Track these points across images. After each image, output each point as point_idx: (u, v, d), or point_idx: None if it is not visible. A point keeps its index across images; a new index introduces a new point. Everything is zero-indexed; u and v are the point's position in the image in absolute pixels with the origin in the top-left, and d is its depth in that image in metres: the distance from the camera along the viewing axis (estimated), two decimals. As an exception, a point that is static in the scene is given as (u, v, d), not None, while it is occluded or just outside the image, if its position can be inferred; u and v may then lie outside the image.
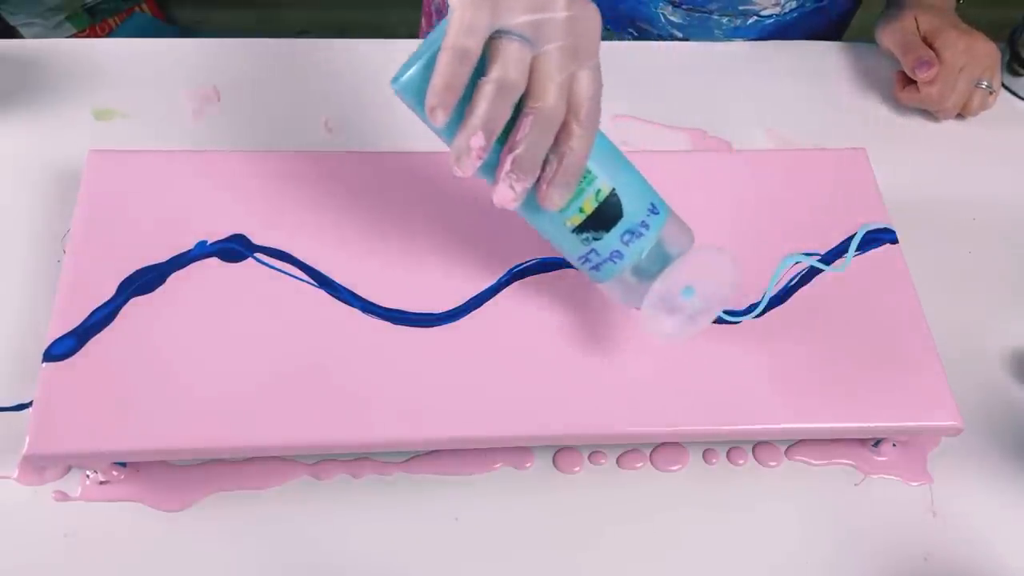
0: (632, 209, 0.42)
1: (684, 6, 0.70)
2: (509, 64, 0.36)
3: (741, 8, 0.71)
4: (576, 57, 0.38)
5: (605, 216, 0.41)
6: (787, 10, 0.72)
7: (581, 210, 0.41)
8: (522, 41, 0.37)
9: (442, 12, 0.82)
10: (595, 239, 0.42)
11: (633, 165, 0.43)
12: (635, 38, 0.74)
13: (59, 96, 0.61)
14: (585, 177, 0.41)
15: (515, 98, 0.37)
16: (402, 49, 0.69)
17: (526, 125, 0.37)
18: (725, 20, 0.72)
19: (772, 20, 0.73)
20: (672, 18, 0.72)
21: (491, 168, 0.39)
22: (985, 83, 0.65)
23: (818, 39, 0.73)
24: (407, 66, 0.38)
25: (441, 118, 0.36)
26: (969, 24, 0.68)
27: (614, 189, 0.41)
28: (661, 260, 0.43)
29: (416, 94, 0.38)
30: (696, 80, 0.68)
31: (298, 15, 1.62)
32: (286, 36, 0.67)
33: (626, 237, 0.42)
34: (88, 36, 1.44)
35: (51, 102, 0.61)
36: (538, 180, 0.39)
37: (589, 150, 0.39)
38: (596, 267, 0.43)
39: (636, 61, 0.68)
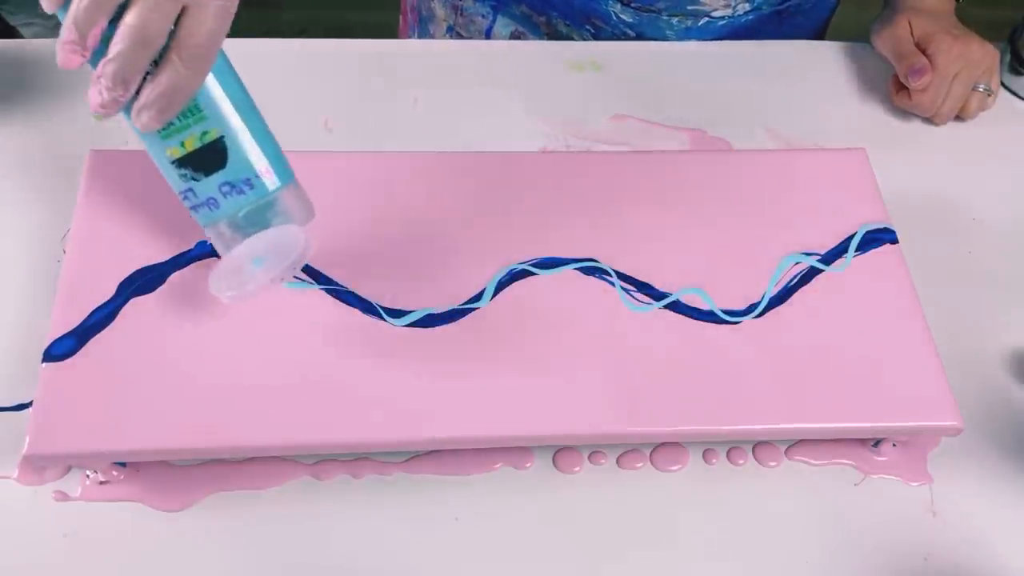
0: (240, 163, 0.42)
1: (633, 5, 0.69)
2: None
3: (690, 8, 0.70)
4: None
5: (205, 159, 0.41)
6: (739, 12, 0.71)
7: (183, 144, 0.41)
8: None
9: (416, 11, 0.82)
10: (193, 179, 0.42)
11: (267, 127, 0.43)
12: (592, 35, 0.73)
13: (59, 96, 0.61)
14: (194, 114, 0.40)
15: (108, 8, 0.37)
16: (402, 49, 0.69)
17: (116, 37, 0.38)
18: (675, 20, 0.70)
19: (725, 22, 0.71)
20: (623, 16, 0.71)
21: None
22: (983, 86, 0.65)
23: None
24: None
25: (45, 3, 0.37)
26: (969, 24, 0.67)
27: (223, 136, 0.41)
28: (260, 223, 0.43)
29: None
30: (696, 80, 0.68)
31: (298, 15, 1.62)
32: (286, 36, 0.67)
33: (225, 188, 0.42)
34: (88, 36, 1.43)
35: (51, 102, 0.61)
36: (136, 95, 0.39)
37: (190, 85, 0.39)
38: (194, 208, 0.43)
39: (636, 61, 0.68)
